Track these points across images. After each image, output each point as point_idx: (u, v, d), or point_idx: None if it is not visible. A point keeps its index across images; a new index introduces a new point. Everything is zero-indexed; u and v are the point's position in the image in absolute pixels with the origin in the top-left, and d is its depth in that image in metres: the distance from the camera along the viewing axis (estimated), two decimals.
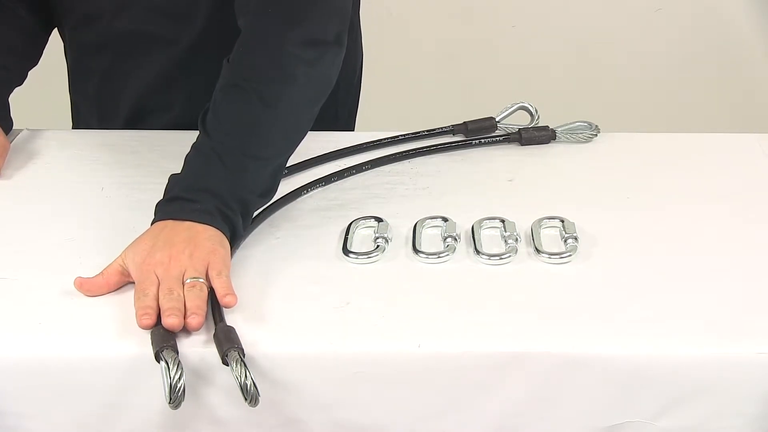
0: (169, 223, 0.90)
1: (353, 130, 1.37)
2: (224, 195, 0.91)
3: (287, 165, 1.08)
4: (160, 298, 0.83)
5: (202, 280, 0.85)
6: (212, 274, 0.86)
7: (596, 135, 1.18)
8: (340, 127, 1.31)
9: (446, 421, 0.82)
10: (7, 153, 1.12)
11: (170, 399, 0.75)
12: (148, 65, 1.21)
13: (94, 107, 1.29)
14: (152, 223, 0.91)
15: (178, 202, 0.91)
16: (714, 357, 0.79)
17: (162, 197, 0.93)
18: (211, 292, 0.85)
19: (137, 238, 0.90)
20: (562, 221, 0.97)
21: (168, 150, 1.17)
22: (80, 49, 1.25)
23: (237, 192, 0.92)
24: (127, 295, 0.86)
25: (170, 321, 0.81)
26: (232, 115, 0.96)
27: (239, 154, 0.94)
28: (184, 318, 0.82)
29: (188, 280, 0.84)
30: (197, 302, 0.83)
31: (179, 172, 0.95)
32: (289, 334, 0.82)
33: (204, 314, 0.83)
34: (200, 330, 0.82)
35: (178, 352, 0.78)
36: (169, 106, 1.24)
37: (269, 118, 0.96)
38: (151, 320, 0.81)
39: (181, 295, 0.83)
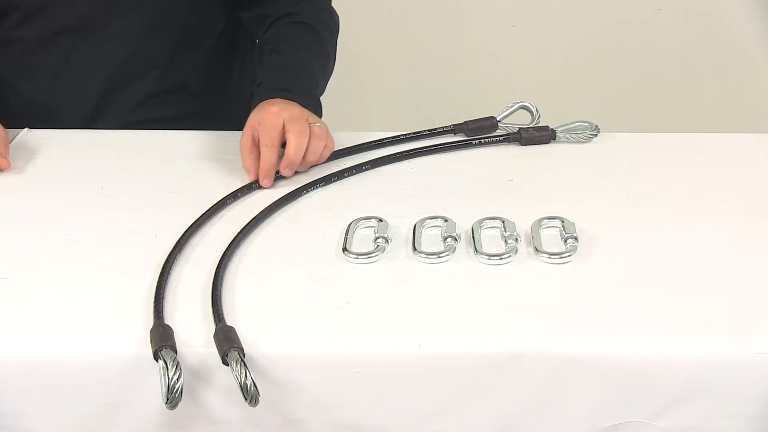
0: (278, 99, 1.12)
1: None
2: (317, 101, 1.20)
3: None
4: (294, 148, 1.05)
5: (320, 125, 1.09)
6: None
7: (596, 135, 1.18)
8: None
9: (446, 421, 0.82)
10: (8, 142, 1.13)
11: (167, 399, 0.75)
12: (112, 41, 1.22)
13: (42, 106, 1.28)
14: (257, 102, 1.13)
15: (285, 91, 1.14)
16: (714, 357, 0.79)
17: (262, 86, 1.16)
18: (214, 290, 0.86)
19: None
20: (562, 221, 0.97)
21: (168, 150, 1.18)
22: (21, 48, 1.24)
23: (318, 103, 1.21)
24: (127, 296, 0.86)
25: (300, 169, 1.08)
26: (313, 47, 1.26)
27: (319, 76, 1.24)
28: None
29: (313, 124, 1.08)
30: (321, 144, 1.09)
31: (271, 70, 1.20)
32: (289, 334, 0.82)
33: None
34: (200, 330, 0.82)
35: (176, 352, 0.78)
36: (142, 74, 1.26)
37: (329, 60, 1.28)
38: (271, 183, 1.06)
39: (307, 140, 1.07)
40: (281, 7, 1.29)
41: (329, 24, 1.31)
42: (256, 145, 1.09)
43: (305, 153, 1.07)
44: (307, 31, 1.27)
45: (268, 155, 1.06)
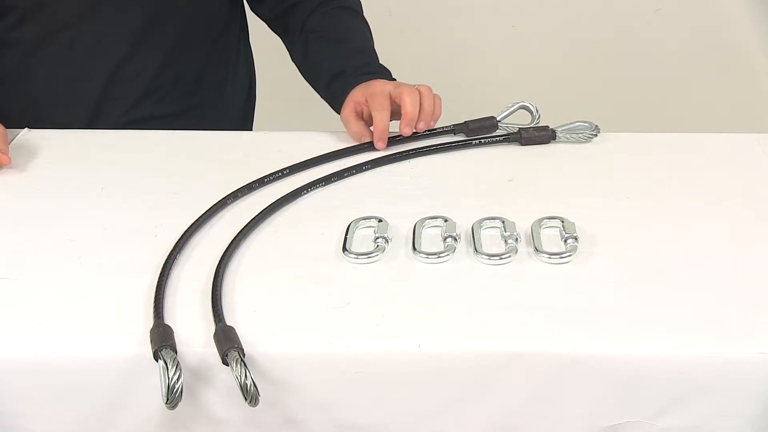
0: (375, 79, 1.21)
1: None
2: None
3: (288, 165, 1.10)
4: (411, 104, 1.13)
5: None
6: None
7: (596, 135, 1.18)
8: (246, 121, 1.47)
9: (446, 421, 0.82)
10: (7, 139, 1.13)
11: (167, 399, 0.75)
12: (111, 38, 1.22)
13: (41, 106, 1.28)
14: (350, 87, 1.19)
15: (374, 74, 1.22)
16: (714, 357, 0.79)
17: (347, 73, 1.23)
18: (214, 290, 0.86)
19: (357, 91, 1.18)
20: (562, 221, 0.97)
21: (168, 150, 1.18)
22: (20, 49, 1.24)
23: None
24: (127, 296, 0.86)
25: (421, 126, 1.15)
26: (363, 28, 1.34)
27: (374, 52, 1.31)
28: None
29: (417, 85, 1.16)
30: (431, 96, 1.17)
31: (348, 58, 1.26)
32: (289, 334, 0.82)
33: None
34: (200, 330, 0.82)
35: (176, 352, 0.78)
36: (141, 70, 1.27)
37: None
38: (385, 145, 1.13)
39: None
40: None
41: (359, 2, 1.38)
42: (360, 116, 1.17)
43: (421, 107, 1.14)
44: (353, 15, 1.35)
45: (381, 117, 1.13)
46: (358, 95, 1.18)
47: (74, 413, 0.82)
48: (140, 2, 1.23)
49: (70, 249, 0.95)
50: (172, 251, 0.92)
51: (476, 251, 0.92)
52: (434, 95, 1.18)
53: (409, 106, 1.13)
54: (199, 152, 1.17)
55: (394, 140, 1.17)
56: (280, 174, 1.09)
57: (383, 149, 1.14)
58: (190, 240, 0.95)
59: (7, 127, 1.15)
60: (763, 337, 0.80)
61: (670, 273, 0.89)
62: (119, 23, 1.23)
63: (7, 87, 1.27)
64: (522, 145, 1.17)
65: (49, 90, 1.27)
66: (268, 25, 1.41)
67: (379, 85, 1.17)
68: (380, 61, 1.28)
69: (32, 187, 1.09)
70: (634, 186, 1.07)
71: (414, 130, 1.15)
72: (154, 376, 0.77)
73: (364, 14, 1.37)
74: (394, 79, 1.23)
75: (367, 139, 1.15)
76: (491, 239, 0.95)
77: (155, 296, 0.85)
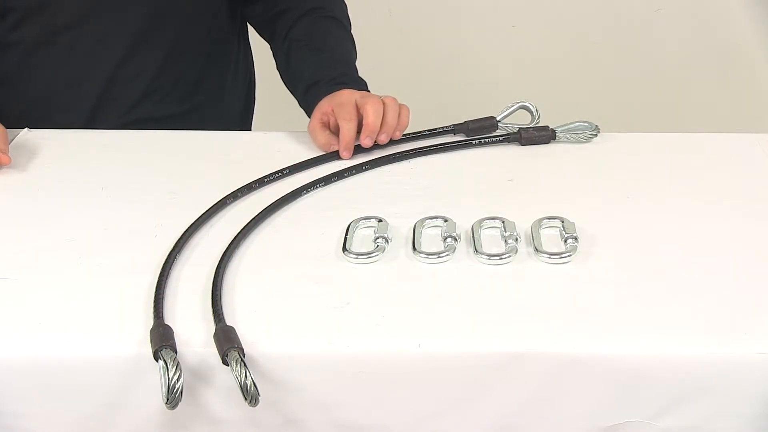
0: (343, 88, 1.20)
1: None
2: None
3: (288, 165, 1.11)
4: (373, 115, 1.12)
5: (391, 96, 1.17)
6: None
7: (596, 135, 1.18)
8: (245, 121, 1.47)
9: (446, 421, 0.82)
10: (7, 139, 1.13)
11: (167, 399, 0.75)
12: (110, 38, 1.22)
13: (41, 106, 1.28)
14: (321, 97, 1.19)
15: (345, 84, 1.21)
16: (714, 357, 0.79)
17: (321, 83, 1.22)
18: (214, 290, 0.86)
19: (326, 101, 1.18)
20: (562, 221, 0.97)
21: (168, 150, 1.18)
22: (20, 50, 1.24)
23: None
24: (127, 296, 0.86)
25: (383, 138, 1.13)
26: (346, 39, 1.34)
27: (354, 63, 1.31)
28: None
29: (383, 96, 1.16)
30: (396, 109, 1.15)
31: (324, 67, 1.26)
32: (289, 334, 0.82)
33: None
34: (200, 330, 0.82)
35: (176, 352, 0.78)
36: (141, 70, 1.27)
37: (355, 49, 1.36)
38: (350, 155, 1.13)
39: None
40: (305, 2, 1.33)
41: (347, 14, 1.38)
42: (326, 127, 1.16)
43: (383, 119, 1.13)
44: (338, 26, 1.35)
45: (348, 127, 1.13)
46: (325, 106, 1.17)
47: (74, 413, 0.82)
48: (140, 3, 1.23)
49: (70, 249, 0.95)
50: (172, 251, 0.92)
51: (476, 251, 0.92)
52: (400, 106, 1.16)
53: (371, 117, 1.12)
54: (199, 152, 1.17)
55: (393, 141, 1.17)
56: (280, 174, 1.09)
57: (349, 158, 1.13)
58: (190, 240, 0.95)
59: (7, 127, 1.15)
60: (763, 337, 0.80)
61: (670, 273, 0.89)
62: (119, 24, 1.24)
63: (7, 87, 1.27)
64: (522, 145, 1.17)
65: (49, 90, 1.27)
66: (257, 30, 1.41)
67: (345, 95, 1.17)
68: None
69: (32, 187, 1.09)
70: (634, 186, 1.07)
71: (376, 142, 1.14)
72: (154, 376, 0.77)
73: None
74: (368, 91, 1.23)
75: (335, 149, 1.14)
76: (491, 239, 0.95)
77: (155, 296, 0.85)
